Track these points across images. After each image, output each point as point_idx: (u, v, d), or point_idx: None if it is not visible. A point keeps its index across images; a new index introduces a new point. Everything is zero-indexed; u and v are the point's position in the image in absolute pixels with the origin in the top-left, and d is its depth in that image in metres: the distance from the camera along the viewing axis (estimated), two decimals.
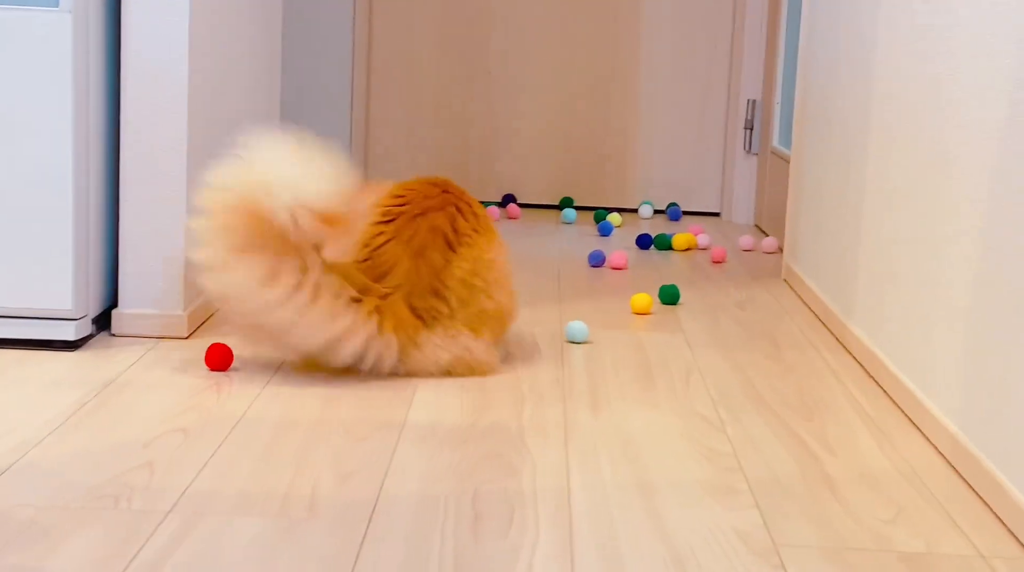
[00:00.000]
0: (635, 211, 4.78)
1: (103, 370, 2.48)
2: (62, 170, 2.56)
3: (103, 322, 2.76)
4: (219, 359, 2.51)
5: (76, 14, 2.54)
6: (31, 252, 2.57)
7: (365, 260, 2.54)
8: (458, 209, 2.61)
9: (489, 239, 2.64)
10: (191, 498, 1.87)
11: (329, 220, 2.41)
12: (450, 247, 2.57)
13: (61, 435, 2.12)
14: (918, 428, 2.35)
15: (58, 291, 2.58)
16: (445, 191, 2.64)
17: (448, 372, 2.55)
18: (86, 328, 2.65)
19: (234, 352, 2.61)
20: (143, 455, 2.04)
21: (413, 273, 2.53)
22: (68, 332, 2.60)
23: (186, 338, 2.74)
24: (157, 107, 2.69)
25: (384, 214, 2.60)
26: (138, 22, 2.66)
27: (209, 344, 2.60)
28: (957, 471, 2.13)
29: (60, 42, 2.53)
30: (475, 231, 2.62)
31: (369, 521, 1.82)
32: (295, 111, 4.72)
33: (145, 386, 2.40)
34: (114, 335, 2.73)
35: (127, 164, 2.70)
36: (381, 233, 2.57)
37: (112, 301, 2.78)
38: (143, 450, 2.06)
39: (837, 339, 2.99)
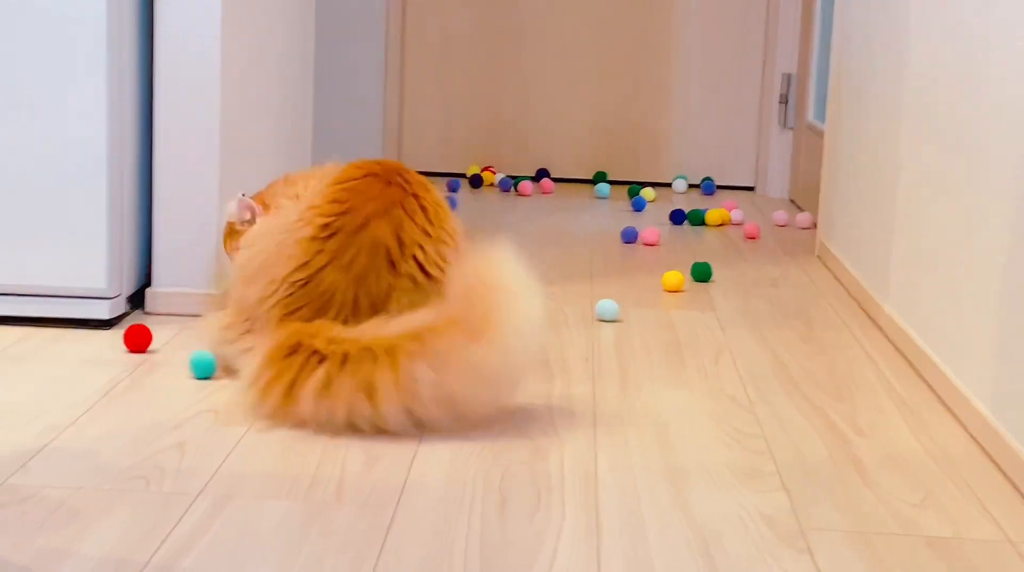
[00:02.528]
0: (669, 185, 4.77)
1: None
2: (96, 149, 2.57)
3: (137, 301, 2.78)
4: (138, 340, 2.47)
5: None
6: (66, 231, 2.59)
7: (304, 282, 2.26)
8: (403, 207, 2.29)
9: (440, 243, 2.32)
10: (220, 480, 1.88)
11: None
12: (393, 266, 2.27)
13: (93, 415, 2.14)
14: (950, 410, 2.35)
15: (93, 270, 2.60)
16: (389, 183, 2.31)
17: None
18: (120, 307, 2.67)
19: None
20: (174, 436, 2.06)
21: (349, 307, 2.26)
22: (103, 311, 2.62)
23: None
24: (191, 87, 2.70)
25: (322, 228, 2.28)
26: (171, 2, 2.67)
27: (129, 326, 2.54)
28: (988, 454, 2.13)
29: (94, 22, 2.54)
30: (426, 234, 2.30)
31: (396, 504, 1.83)
32: (329, 89, 4.72)
33: (177, 365, 2.41)
34: (148, 314, 2.75)
35: (161, 143, 2.72)
36: (320, 251, 2.26)
37: (146, 280, 2.80)
38: (174, 431, 2.08)
39: (870, 318, 2.98)
